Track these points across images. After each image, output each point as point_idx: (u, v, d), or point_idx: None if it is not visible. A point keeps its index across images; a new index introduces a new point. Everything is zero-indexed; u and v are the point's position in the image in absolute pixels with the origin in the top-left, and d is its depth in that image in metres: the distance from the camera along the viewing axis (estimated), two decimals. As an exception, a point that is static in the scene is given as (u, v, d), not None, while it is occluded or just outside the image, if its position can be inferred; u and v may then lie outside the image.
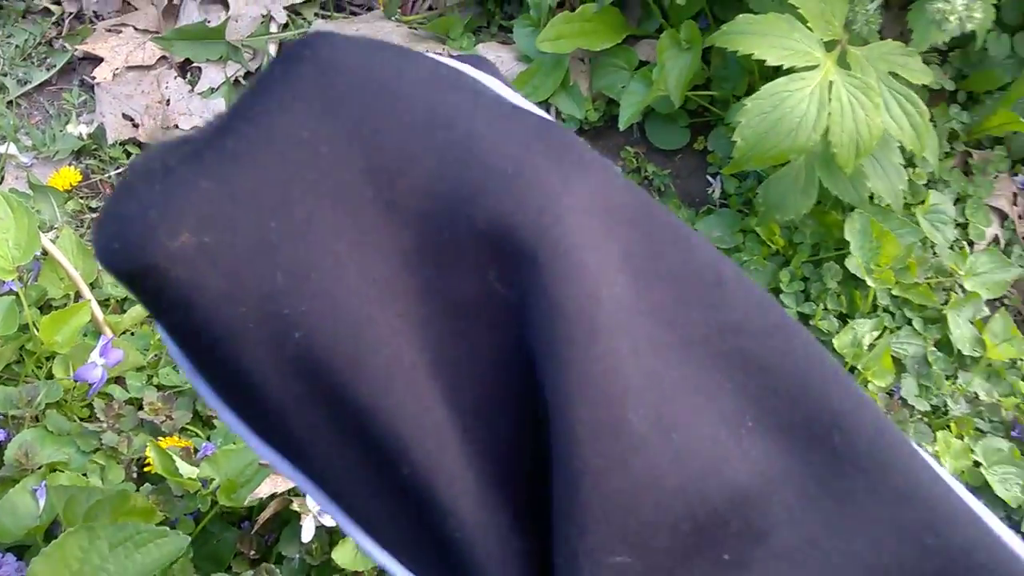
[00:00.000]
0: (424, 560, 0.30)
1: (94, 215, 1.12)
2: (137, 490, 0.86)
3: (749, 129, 0.82)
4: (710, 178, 1.10)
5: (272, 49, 1.17)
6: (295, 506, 0.82)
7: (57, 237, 0.99)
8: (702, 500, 0.28)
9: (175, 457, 0.81)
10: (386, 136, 0.27)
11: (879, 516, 0.30)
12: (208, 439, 0.92)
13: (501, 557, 0.28)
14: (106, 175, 1.13)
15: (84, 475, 0.85)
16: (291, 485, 0.81)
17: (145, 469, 0.87)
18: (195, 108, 1.15)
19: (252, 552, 0.87)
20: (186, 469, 0.81)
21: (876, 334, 0.92)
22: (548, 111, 1.12)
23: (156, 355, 0.97)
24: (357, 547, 0.84)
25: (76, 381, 0.86)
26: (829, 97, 0.82)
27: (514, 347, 0.28)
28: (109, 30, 1.20)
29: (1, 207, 0.91)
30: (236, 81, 1.18)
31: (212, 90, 1.17)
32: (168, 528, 0.76)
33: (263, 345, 0.26)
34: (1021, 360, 0.95)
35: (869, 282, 0.91)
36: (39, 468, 0.81)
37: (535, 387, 0.27)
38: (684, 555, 0.29)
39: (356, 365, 0.26)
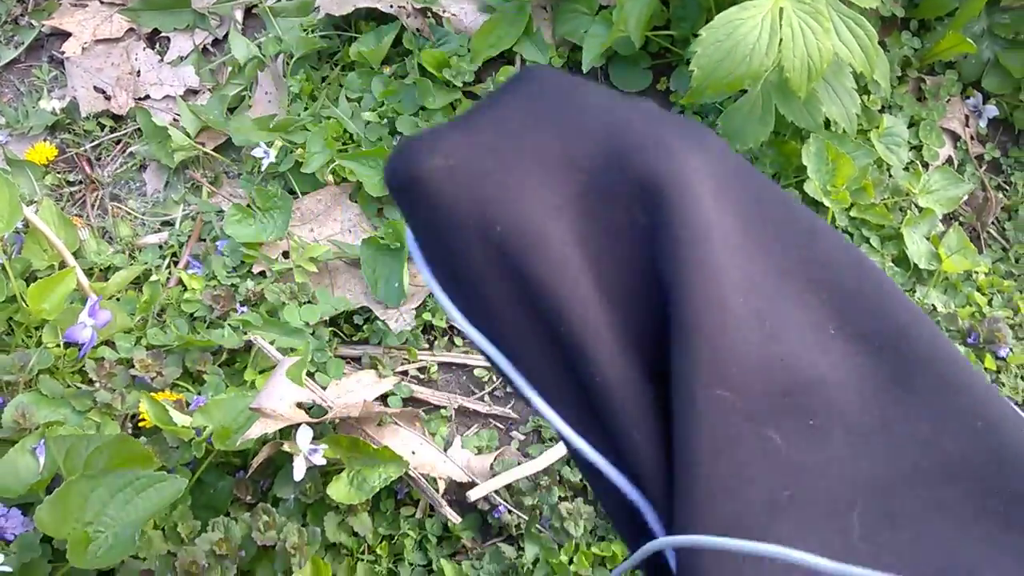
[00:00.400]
0: (575, 406, 0.41)
1: (72, 188, 1.13)
2: (134, 443, 0.89)
3: (705, 58, 0.85)
4: (673, 117, 1.12)
5: (238, 15, 1.19)
6: (286, 447, 0.85)
7: (38, 209, 1.01)
8: (790, 373, 0.39)
9: (168, 407, 0.84)
10: (571, 119, 0.42)
11: (938, 404, 0.39)
12: (199, 393, 0.95)
13: (633, 401, 0.39)
14: (81, 148, 1.15)
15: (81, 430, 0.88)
16: (280, 426, 0.84)
17: (139, 424, 0.90)
18: (165, 77, 1.17)
19: (248, 497, 0.90)
20: (180, 419, 0.84)
21: (837, 253, 0.95)
22: (513, 60, 1.14)
23: (143, 318, 1.00)
24: (349, 484, 0.87)
25: (67, 343, 0.89)
26: (780, 23, 0.85)
27: (646, 260, 0.40)
28: (75, 4, 1.21)
29: (-19, 179, 0.93)
30: (204, 49, 1.20)
31: (181, 59, 1.18)
32: (166, 472, 0.79)
33: (474, 235, 0.39)
34: (975, 272, 0.99)
35: (827, 203, 0.95)
36: (36, 428, 0.84)
37: (660, 291, 0.39)
38: (778, 409, 0.38)
39: (536, 252, 0.39)
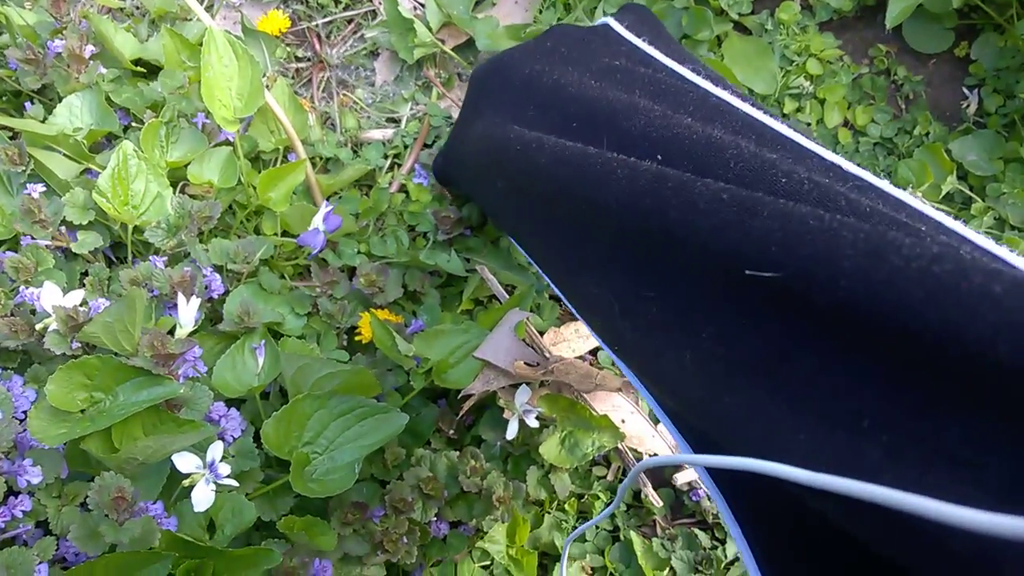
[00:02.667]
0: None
1: (300, 65, 1.08)
2: (349, 359, 0.86)
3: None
4: (967, 90, 0.98)
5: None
6: (500, 403, 0.81)
7: (271, 87, 0.97)
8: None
9: (394, 332, 0.80)
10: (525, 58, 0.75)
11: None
12: (414, 313, 0.91)
13: None
14: (313, 23, 1.09)
15: (302, 338, 0.86)
16: (503, 384, 0.80)
17: (356, 337, 0.88)
18: (408, -42, 1.09)
19: (451, 432, 0.87)
20: (402, 345, 0.80)
21: None
22: (794, -4, 1.01)
23: (365, 223, 0.96)
24: (560, 445, 0.83)
25: (300, 245, 0.86)
26: None
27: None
28: None
29: (226, 52, 0.89)
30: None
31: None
32: (387, 405, 0.77)
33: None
34: None
35: None
36: (256, 328, 0.82)
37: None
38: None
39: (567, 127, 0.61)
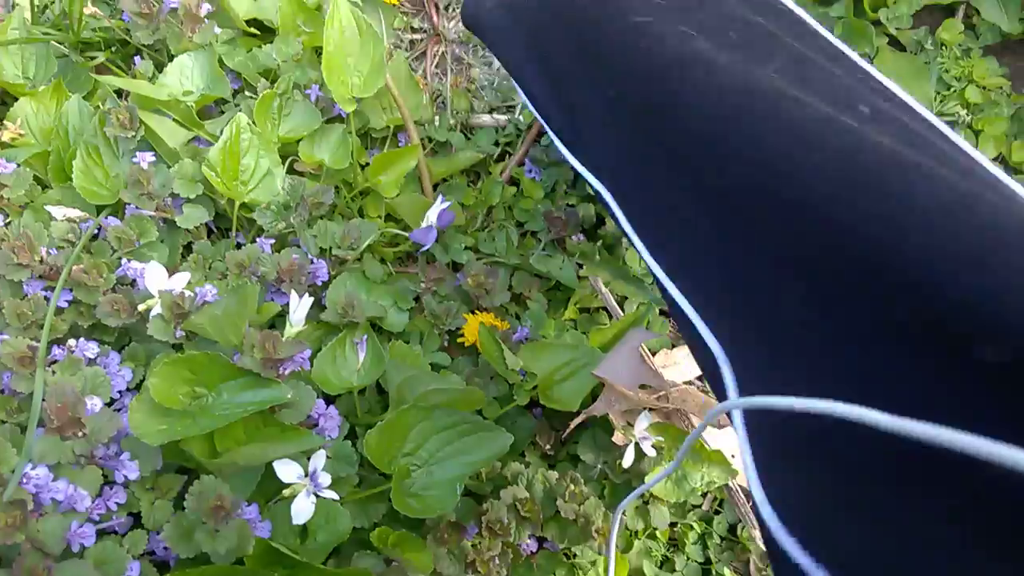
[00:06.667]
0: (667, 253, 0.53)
1: (415, 36, 1.03)
2: (452, 361, 0.83)
3: None
4: None
5: None
6: (616, 426, 0.77)
7: (389, 59, 0.92)
8: None
9: (503, 345, 0.76)
10: None
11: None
12: (517, 318, 0.87)
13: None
14: (432, -8, 1.03)
15: (403, 334, 0.82)
16: (623, 408, 0.75)
17: (458, 339, 0.83)
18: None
19: (547, 446, 0.83)
20: (511, 359, 0.76)
21: None
22: (955, 11, 0.92)
23: (472, 215, 0.91)
24: (667, 477, 0.79)
25: (412, 241, 0.81)
26: None
27: None
28: None
29: (349, 25, 0.84)
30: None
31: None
32: (492, 424, 0.73)
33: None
34: None
35: None
36: (359, 321, 0.78)
37: None
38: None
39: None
